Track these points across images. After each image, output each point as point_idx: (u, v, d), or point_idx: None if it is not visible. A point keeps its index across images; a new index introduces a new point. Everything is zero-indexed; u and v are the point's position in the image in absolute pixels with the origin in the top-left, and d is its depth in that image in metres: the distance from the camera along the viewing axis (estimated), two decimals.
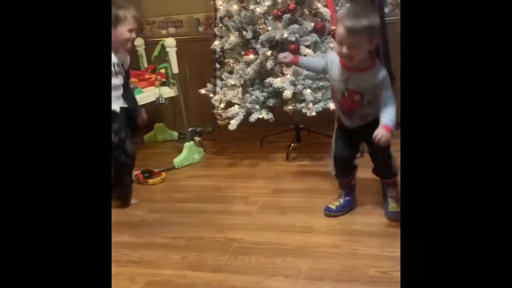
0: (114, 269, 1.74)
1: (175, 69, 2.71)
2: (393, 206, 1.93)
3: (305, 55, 2.41)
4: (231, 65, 2.74)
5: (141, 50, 3.13)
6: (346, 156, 1.96)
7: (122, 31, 2.05)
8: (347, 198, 2.01)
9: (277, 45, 2.50)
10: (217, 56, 2.82)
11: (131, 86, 2.72)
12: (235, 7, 2.60)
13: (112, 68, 2.06)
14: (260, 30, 2.55)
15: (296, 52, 2.42)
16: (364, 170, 2.45)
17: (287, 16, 2.41)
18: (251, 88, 2.57)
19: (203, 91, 2.86)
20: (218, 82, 2.82)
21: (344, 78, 1.78)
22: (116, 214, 2.23)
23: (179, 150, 2.85)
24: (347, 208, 2.00)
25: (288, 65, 2.30)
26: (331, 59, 1.86)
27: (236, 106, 2.59)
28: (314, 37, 2.44)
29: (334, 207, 1.99)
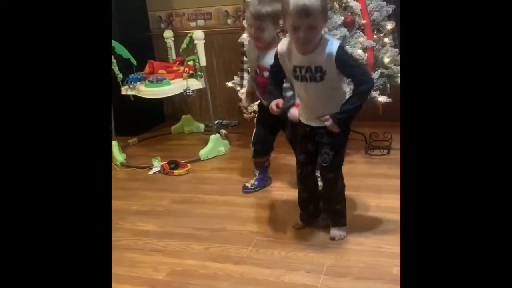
0: (138, 257, 1.78)
1: (203, 62, 2.73)
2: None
3: None
4: None
5: (169, 42, 3.15)
6: (262, 138, 2.16)
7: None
8: (260, 177, 2.29)
9: None
10: (244, 49, 2.82)
11: (159, 78, 2.76)
12: None
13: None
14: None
15: None
16: (393, 168, 2.41)
17: None
18: None
19: (230, 84, 2.87)
20: (245, 75, 2.81)
21: (255, 57, 2.01)
22: (141, 204, 2.27)
23: (205, 142, 2.88)
24: (261, 186, 2.29)
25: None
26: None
27: None
28: (343, 31, 2.40)
29: (249, 186, 2.28)
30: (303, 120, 1.73)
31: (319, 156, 1.70)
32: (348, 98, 1.61)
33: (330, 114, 1.59)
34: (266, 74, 1.93)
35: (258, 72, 2.02)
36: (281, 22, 1.79)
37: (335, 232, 1.77)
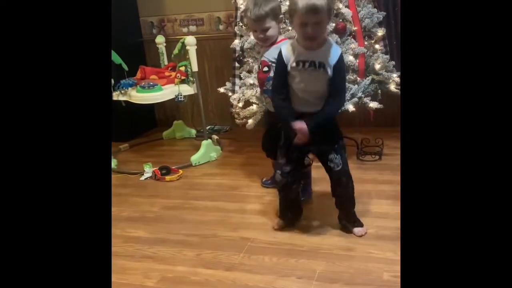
0: (128, 264, 1.77)
1: (195, 67, 2.73)
2: None
3: None
4: (250, 64, 2.74)
5: (161, 47, 3.15)
6: (268, 143, 2.18)
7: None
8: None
9: None
10: (236, 55, 2.82)
11: (151, 83, 2.76)
12: None
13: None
14: (281, 30, 2.54)
15: None
16: (384, 174, 2.42)
17: None
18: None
19: (222, 89, 2.87)
20: (237, 81, 2.81)
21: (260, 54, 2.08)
22: (132, 210, 2.26)
23: (197, 148, 2.87)
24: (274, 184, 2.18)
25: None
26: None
27: (254, 106, 2.58)
28: (334, 37, 2.42)
29: (264, 180, 2.38)
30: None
31: (328, 163, 1.76)
32: (322, 109, 1.69)
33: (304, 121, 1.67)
34: (265, 69, 1.99)
35: (260, 67, 2.06)
36: (281, 16, 1.93)
37: (358, 230, 1.83)
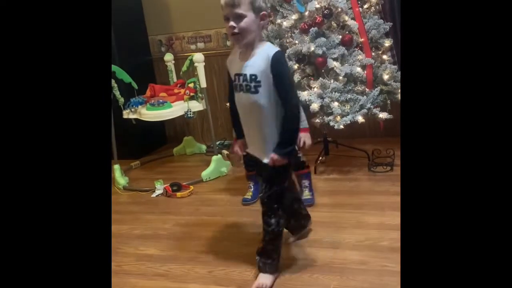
0: (141, 283, 1.76)
1: (203, 84, 2.75)
2: (306, 194, 2.24)
3: (332, 68, 2.40)
4: None
5: (170, 65, 3.18)
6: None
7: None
8: (256, 186, 2.35)
9: (304, 59, 2.50)
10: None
11: (160, 101, 2.78)
12: None
13: None
14: (287, 44, 2.55)
15: (324, 65, 2.41)
16: (396, 185, 2.39)
17: (314, 29, 2.40)
18: None
19: None
20: None
21: None
22: (144, 227, 2.26)
23: (207, 163, 2.87)
24: (258, 195, 2.22)
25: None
26: None
27: None
28: (341, 49, 2.42)
29: (249, 197, 2.36)
30: (249, 150, 1.69)
31: None
32: (282, 128, 1.51)
33: (273, 150, 1.51)
34: None
35: None
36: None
37: (259, 280, 1.62)
